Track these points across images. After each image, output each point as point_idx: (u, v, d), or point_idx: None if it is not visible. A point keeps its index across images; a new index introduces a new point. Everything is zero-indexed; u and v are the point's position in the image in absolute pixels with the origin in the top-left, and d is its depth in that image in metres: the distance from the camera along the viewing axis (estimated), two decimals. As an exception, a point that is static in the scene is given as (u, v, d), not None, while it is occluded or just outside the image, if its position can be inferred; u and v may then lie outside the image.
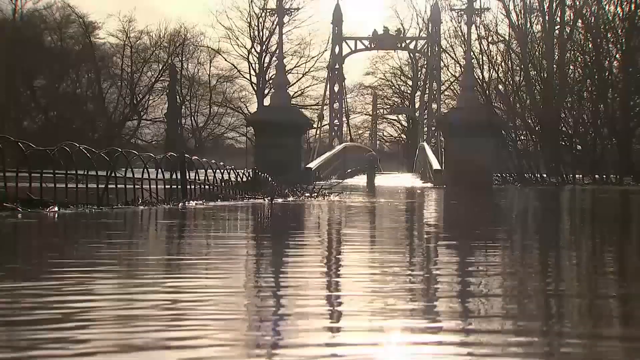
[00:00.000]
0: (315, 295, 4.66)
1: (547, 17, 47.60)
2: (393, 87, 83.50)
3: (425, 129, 60.80)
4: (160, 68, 69.40)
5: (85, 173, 14.48)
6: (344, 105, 62.78)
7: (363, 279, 5.53)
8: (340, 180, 41.27)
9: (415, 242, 9.01)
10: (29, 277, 5.44)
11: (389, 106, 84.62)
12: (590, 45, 47.62)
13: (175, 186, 17.29)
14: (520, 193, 30.19)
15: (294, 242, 8.72)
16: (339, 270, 6.10)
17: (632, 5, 46.96)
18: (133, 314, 4.06)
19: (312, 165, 40.20)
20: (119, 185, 14.82)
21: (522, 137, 49.11)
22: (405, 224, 12.24)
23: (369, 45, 60.64)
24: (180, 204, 15.31)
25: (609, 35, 47.58)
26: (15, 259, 7.05)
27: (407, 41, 63.04)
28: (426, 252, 7.73)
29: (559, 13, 48.30)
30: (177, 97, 67.74)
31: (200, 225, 11.71)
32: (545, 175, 45.14)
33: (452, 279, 5.56)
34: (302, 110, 54.15)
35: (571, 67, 48.51)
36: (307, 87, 72.50)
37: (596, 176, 45.09)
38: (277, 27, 47.62)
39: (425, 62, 65.77)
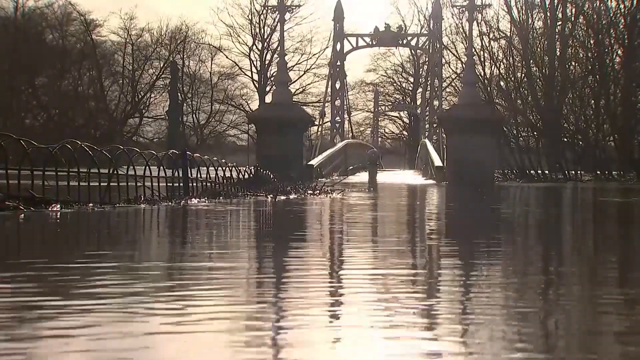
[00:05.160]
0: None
1: (548, 13, 47.50)
2: (394, 84, 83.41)
3: (427, 125, 60.71)
4: (161, 66, 69.39)
5: (87, 171, 14.49)
6: (345, 103, 62.72)
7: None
8: (342, 178, 41.24)
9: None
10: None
11: (390, 103, 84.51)
12: (591, 42, 47.54)
13: (177, 184, 17.29)
14: (525, 192, 30.15)
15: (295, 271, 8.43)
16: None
17: (634, 1, 46.86)
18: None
19: (314, 162, 40.16)
20: (121, 183, 14.82)
21: (524, 134, 49.04)
22: (409, 244, 12.14)
23: (370, 42, 60.57)
24: (182, 202, 15.31)
25: (610, 31, 47.49)
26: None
27: (409, 38, 62.95)
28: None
29: (561, 9, 48.21)
30: (179, 94, 67.68)
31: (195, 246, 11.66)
32: (546, 172, 45.08)
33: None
34: (304, 107, 54.08)
35: (573, 63, 48.42)
36: (308, 84, 72.53)
37: (598, 172, 45.03)
38: (279, 24, 47.56)
39: (427, 59, 65.66)
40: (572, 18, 48.33)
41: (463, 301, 4.66)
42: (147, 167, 16.37)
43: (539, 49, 48.09)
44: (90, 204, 13.08)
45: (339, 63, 58.79)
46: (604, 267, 6.78)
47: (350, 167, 51.94)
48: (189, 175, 17.74)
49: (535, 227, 12.25)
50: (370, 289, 5.11)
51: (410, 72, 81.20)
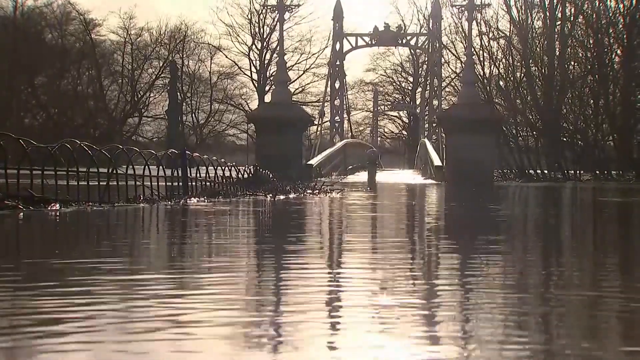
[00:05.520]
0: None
1: (548, 13, 47.51)
2: (394, 84, 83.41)
3: (427, 125, 60.71)
4: (160, 65, 69.41)
5: (87, 170, 14.49)
6: (344, 102, 62.73)
7: None
8: (341, 177, 41.26)
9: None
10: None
11: (389, 102, 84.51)
12: (591, 41, 47.54)
13: (176, 183, 17.30)
14: (524, 192, 30.14)
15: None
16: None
17: (634, 1, 46.85)
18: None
19: (313, 161, 40.18)
20: (120, 183, 14.82)
21: (523, 133, 49.04)
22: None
23: (369, 42, 60.57)
24: (181, 202, 15.31)
25: (609, 31, 47.49)
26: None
27: (408, 37, 62.95)
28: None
29: (560, 9, 48.21)
30: (178, 94, 67.68)
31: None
32: (546, 172, 45.10)
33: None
34: (303, 107, 54.09)
35: (572, 63, 48.42)
36: (308, 83, 72.56)
37: (597, 172, 45.04)
38: (278, 23, 47.57)
39: (426, 59, 65.67)
40: (572, 18, 48.33)
41: (462, 303, 4.68)
42: (147, 167, 16.38)
43: (538, 49, 48.08)
44: (90, 204, 13.08)
45: (338, 62, 58.79)
46: (602, 268, 6.78)
47: (350, 167, 51.95)
48: (189, 174, 17.75)
49: (531, 227, 12.25)
50: (372, 296, 5.10)
51: (410, 72, 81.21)
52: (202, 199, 16.30)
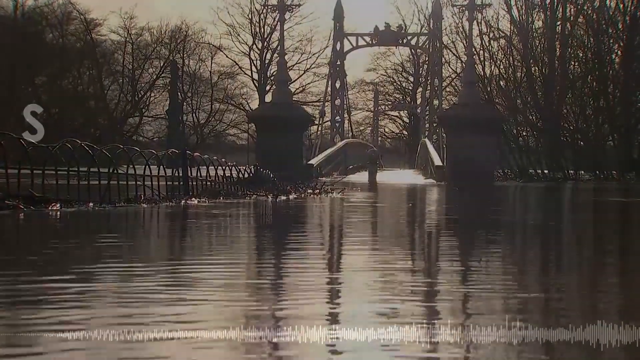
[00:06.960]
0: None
1: (548, 13, 47.49)
2: (394, 84, 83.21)
3: (427, 125, 60.63)
4: (161, 65, 69.31)
5: (87, 170, 14.49)
6: (345, 102, 62.64)
7: None
8: (342, 177, 41.25)
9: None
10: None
11: (390, 102, 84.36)
12: (591, 41, 47.52)
13: (177, 183, 17.29)
14: (523, 192, 30.16)
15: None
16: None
17: (634, 0, 46.82)
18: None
19: (314, 161, 40.17)
20: (120, 182, 14.81)
21: (524, 133, 49.00)
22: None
23: (370, 42, 60.49)
24: (182, 202, 15.29)
25: (610, 31, 47.47)
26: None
27: (409, 37, 62.86)
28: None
29: (561, 9, 48.19)
30: (179, 93, 67.60)
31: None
32: (546, 172, 45.07)
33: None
34: (304, 106, 54.06)
35: (572, 63, 48.39)
36: (308, 83, 72.42)
37: (597, 172, 45.02)
38: (278, 23, 47.55)
39: (427, 58, 65.58)
40: (572, 18, 48.30)
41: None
42: (147, 167, 16.38)
43: (538, 49, 48.05)
44: (90, 203, 13.07)
45: (338, 62, 58.72)
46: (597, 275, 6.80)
47: (350, 167, 51.91)
48: (189, 174, 17.74)
49: (525, 226, 12.26)
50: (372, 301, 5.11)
51: (410, 72, 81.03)
52: (203, 199, 16.28)
